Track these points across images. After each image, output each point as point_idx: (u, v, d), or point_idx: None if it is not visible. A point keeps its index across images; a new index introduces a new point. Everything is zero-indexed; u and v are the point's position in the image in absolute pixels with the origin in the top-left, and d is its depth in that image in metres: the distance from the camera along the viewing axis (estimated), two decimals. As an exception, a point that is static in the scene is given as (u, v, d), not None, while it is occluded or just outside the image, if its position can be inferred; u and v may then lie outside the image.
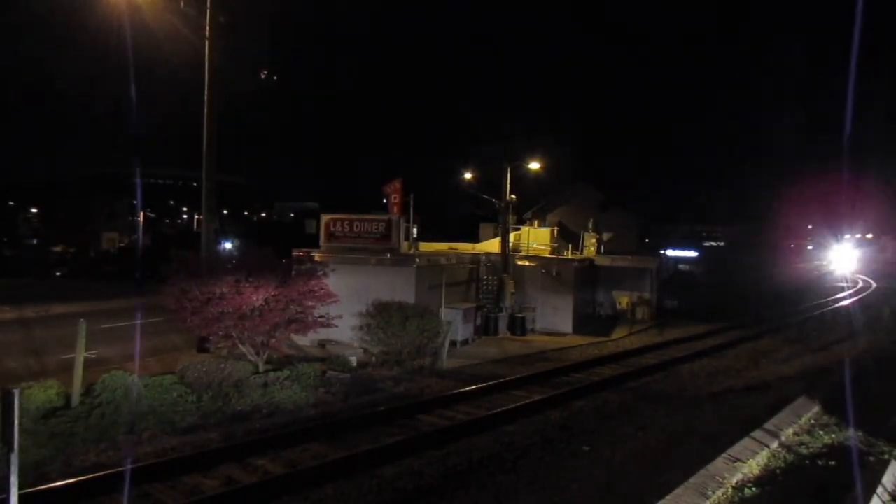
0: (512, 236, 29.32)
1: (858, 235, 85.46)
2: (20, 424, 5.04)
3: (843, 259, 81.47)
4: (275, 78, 20.84)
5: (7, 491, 4.91)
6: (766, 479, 7.17)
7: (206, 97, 17.63)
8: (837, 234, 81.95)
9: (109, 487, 8.74)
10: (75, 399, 12.18)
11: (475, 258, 26.86)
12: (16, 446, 4.89)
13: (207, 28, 17.39)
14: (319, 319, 16.33)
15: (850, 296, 47.58)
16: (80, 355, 12.50)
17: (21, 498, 5.08)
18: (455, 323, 20.52)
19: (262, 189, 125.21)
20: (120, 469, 9.17)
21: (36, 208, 76.63)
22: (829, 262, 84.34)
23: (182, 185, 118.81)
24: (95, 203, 69.24)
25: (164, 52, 18.06)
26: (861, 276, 68.13)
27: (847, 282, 60.80)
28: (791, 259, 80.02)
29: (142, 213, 65.76)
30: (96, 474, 9.07)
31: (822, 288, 53.96)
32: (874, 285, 56.96)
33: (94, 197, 72.29)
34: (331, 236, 22.26)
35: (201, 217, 20.60)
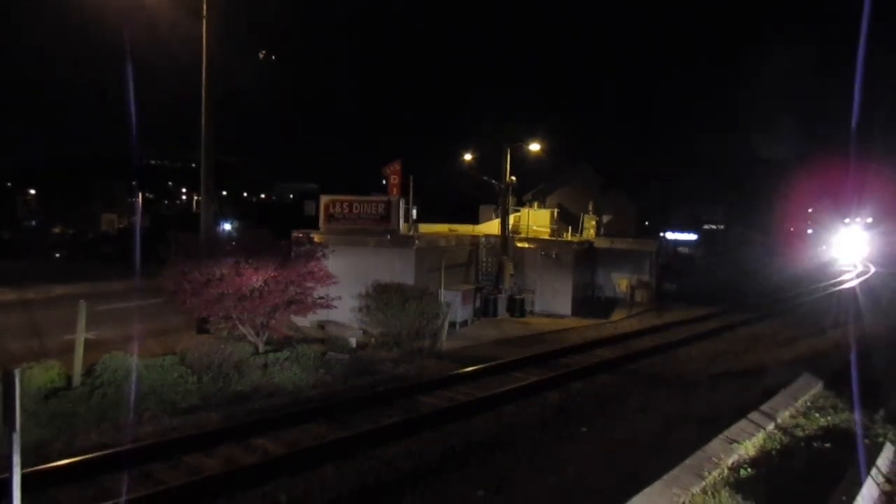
0: (512, 218, 29.28)
1: (859, 220, 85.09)
2: (21, 405, 5.06)
3: (850, 243, 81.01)
4: (273, 58, 20.59)
5: (10, 470, 4.95)
6: (761, 461, 7.25)
7: (203, 76, 17.48)
8: (843, 218, 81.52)
9: (111, 467, 8.82)
10: (76, 380, 12.25)
11: (475, 240, 26.84)
12: (18, 426, 4.91)
13: (204, 6, 17.20)
14: (319, 301, 16.36)
15: (851, 280, 47.65)
16: (81, 336, 12.53)
17: (23, 477, 5.12)
18: (454, 304, 20.55)
19: (262, 170, 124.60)
20: (121, 449, 9.25)
21: (34, 190, 76.40)
22: (833, 245, 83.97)
23: (181, 166, 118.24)
24: (94, 185, 69.02)
25: (162, 31, 17.90)
26: (865, 261, 68.12)
27: (850, 266, 60.86)
28: (792, 242, 79.85)
29: (140, 195, 65.52)
30: (98, 454, 9.14)
31: (822, 272, 54.00)
32: (873, 269, 57.04)
33: (93, 178, 72.02)
34: (330, 218, 22.22)
35: (200, 198, 20.51)
